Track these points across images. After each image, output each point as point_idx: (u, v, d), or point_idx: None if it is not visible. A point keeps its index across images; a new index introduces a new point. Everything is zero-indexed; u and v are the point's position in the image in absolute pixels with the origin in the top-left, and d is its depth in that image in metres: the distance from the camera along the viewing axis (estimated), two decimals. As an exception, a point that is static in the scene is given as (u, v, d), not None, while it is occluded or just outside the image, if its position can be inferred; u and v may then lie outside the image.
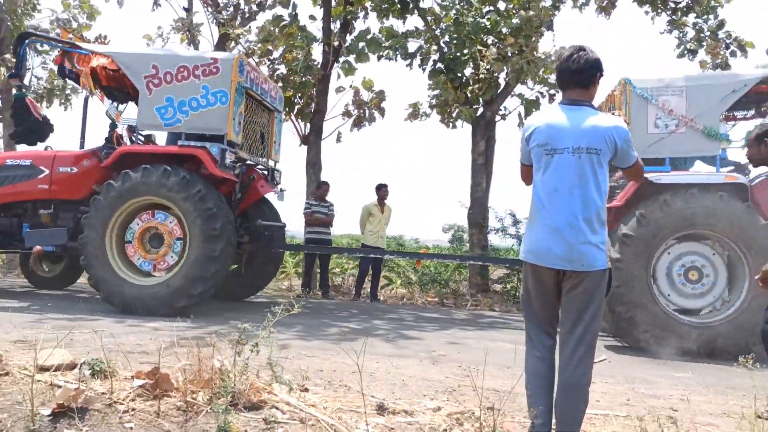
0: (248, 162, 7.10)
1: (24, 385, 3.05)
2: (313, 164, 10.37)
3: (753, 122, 6.68)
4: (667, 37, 11.02)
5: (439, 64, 9.83)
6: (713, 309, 5.53)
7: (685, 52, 10.69)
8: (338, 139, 10.98)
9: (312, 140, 10.47)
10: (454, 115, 9.93)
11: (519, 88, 10.27)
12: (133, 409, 2.83)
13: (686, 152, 5.82)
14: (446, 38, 9.84)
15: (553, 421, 2.57)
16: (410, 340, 5.12)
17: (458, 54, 9.53)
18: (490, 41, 9.61)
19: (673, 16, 10.90)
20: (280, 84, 10.30)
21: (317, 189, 9.16)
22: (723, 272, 5.45)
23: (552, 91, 10.17)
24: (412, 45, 9.89)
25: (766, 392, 3.16)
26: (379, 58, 9.80)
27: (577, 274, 2.49)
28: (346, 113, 10.81)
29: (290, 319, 6.00)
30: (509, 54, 9.27)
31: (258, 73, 7.07)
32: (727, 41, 10.66)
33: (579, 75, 2.59)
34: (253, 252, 7.37)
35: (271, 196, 7.65)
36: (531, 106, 10.22)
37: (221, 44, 11.07)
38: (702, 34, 10.69)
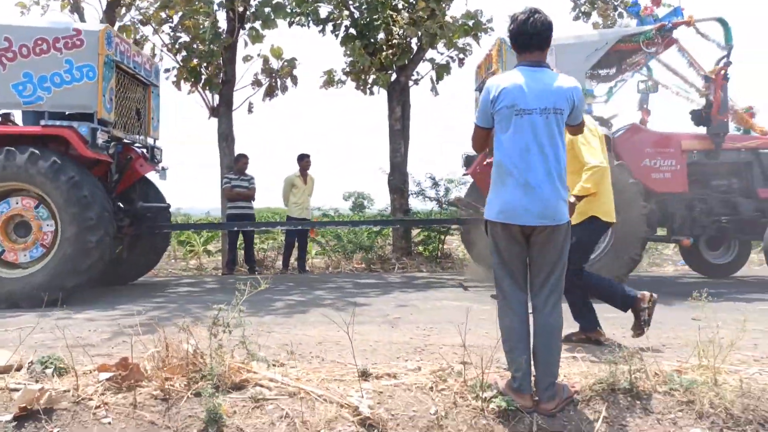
0: (124, 141, 6.69)
1: (-34, 393, 2.77)
2: (226, 137, 9.93)
3: (614, 80, 7.34)
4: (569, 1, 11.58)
5: (351, 30, 9.70)
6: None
7: (580, 14, 11.30)
8: (250, 110, 10.59)
9: (222, 112, 10.01)
10: (369, 81, 9.88)
11: (430, 53, 10.39)
12: (106, 404, 2.66)
13: None
14: (357, 3, 9.68)
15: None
16: (360, 306, 5.15)
17: (370, 19, 9.44)
18: (401, 6, 9.61)
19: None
20: (183, 53, 9.72)
21: (236, 162, 8.83)
22: None
23: (461, 56, 10.40)
24: (324, 11, 9.64)
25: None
26: (290, 24, 9.47)
27: (551, 228, 2.64)
28: (257, 82, 10.42)
29: (230, 297, 5.85)
30: (421, 18, 9.31)
31: (129, 45, 6.62)
32: (615, 3, 11.36)
33: (538, 37, 2.69)
34: (135, 235, 7.04)
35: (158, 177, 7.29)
36: (442, 70, 10.38)
37: (110, 11, 10.19)
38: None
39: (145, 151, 7.04)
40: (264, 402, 2.69)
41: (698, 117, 6.43)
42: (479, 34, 10.21)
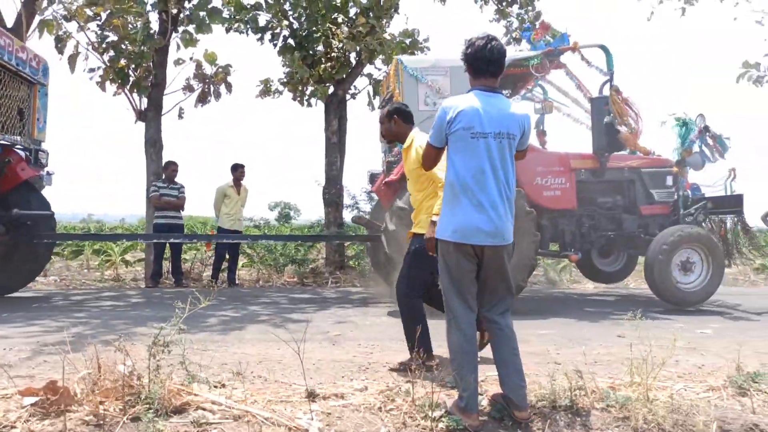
0: (2, 142, 6.30)
1: None
2: (154, 142, 9.52)
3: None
4: (495, 25, 12.05)
5: (290, 41, 9.61)
6: None
7: (511, 40, 11.78)
8: (180, 116, 10.22)
9: (150, 116, 9.60)
10: (307, 93, 9.81)
11: (368, 68, 10.47)
12: (31, 431, 2.45)
13: None
14: (297, 14, 9.62)
15: (479, 385, 2.79)
16: (298, 323, 5.06)
17: (310, 31, 9.40)
18: (341, 20, 9.63)
19: (500, 6, 11.92)
20: (111, 53, 9.27)
21: (165, 170, 8.48)
22: None
23: (398, 73, 10.55)
24: (263, 19, 9.50)
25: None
26: (227, 30, 9.26)
27: (502, 247, 2.72)
28: (188, 87, 10.09)
29: (158, 312, 5.58)
30: (360, 33, 9.38)
31: (11, 40, 6.26)
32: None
33: (494, 64, 2.78)
34: (12, 245, 6.62)
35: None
36: (379, 86, 10.48)
37: (30, 4, 9.56)
38: (524, 24, 11.83)
39: (27, 153, 6.63)
40: (207, 426, 2.57)
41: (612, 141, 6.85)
42: (416, 52, 10.43)
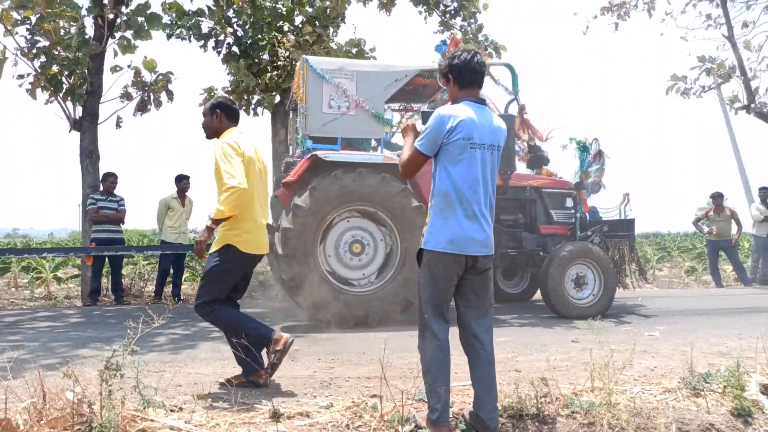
0: None
1: None
2: (90, 153, 9.04)
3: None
4: (440, 36, 12.22)
5: (234, 49, 9.41)
6: (369, 281, 5.99)
7: (455, 52, 11.99)
8: (118, 125, 9.78)
9: (86, 125, 9.14)
10: (253, 101, 9.62)
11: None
12: (-32, 472, 2.23)
13: (356, 133, 6.24)
14: (241, 21, 9.43)
15: (453, 399, 2.76)
16: (252, 338, 4.89)
17: (255, 39, 9.23)
18: (287, 28, 9.52)
19: (444, 18, 12.12)
20: (42, 59, 8.77)
21: (103, 182, 8.08)
22: (383, 248, 6.03)
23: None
24: (206, 26, 9.25)
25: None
26: (168, 36, 8.96)
27: (489, 257, 2.73)
28: (126, 95, 9.67)
29: (101, 332, 5.27)
30: (308, 42, 9.30)
31: None
32: (486, 44, 12.22)
33: (480, 76, 2.80)
34: None
35: None
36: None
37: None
38: (467, 36, 12.07)
39: None
40: (167, 454, 2.43)
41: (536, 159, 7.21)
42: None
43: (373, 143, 6.80)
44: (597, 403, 2.95)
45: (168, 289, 8.43)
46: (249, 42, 9.37)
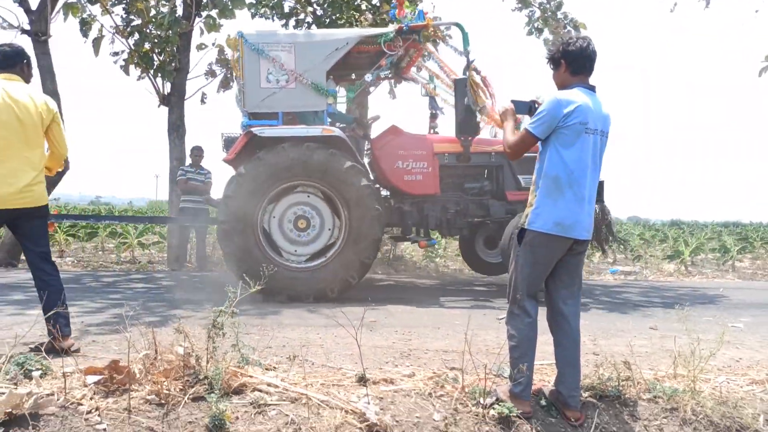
0: None
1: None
2: (177, 127, 9.56)
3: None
4: (518, 14, 11.94)
5: (314, 27, 9.59)
6: (314, 256, 5.84)
7: (533, 30, 11.70)
8: (203, 101, 10.28)
9: (174, 101, 9.63)
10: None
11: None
12: (97, 408, 2.52)
13: (296, 107, 5.94)
14: (321, 0, 9.60)
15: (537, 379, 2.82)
16: (330, 309, 5.10)
17: (334, 17, 9.38)
18: (364, 6, 9.60)
19: (523, -6, 11.80)
20: (136, 36, 9.28)
21: (191, 155, 8.54)
22: (329, 222, 5.83)
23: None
24: (288, 5, 9.48)
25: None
26: (252, 16, 9.25)
27: (588, 241, 2.79)
28: (210, 73, 10.12)
29: (192, 295, 5.66)
30: (384, 20, 9.34)
31: None
32: (565, 21, 11.83)
33: (593, 64, 2.82)
34: None
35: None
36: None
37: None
38: (546, 14, 11.73)
39: None
40: (266, 408, 2.63)
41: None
42: (437, 41, 10.40)
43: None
44: (680, 389, 2.93)
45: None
46: (327, 21, 9.53)
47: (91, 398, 2.59)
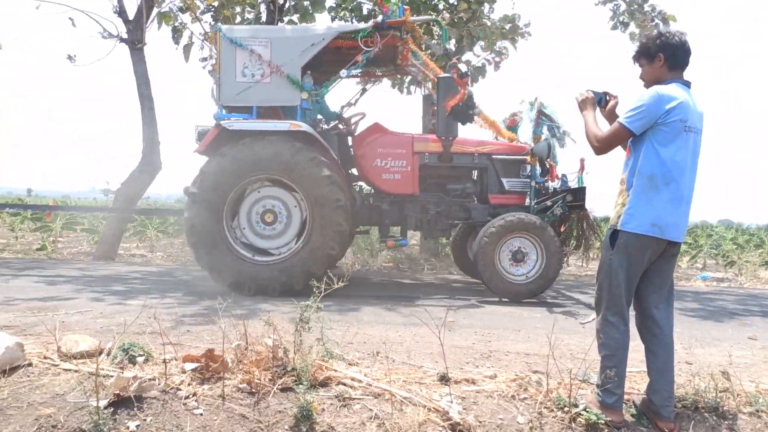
0: None
1: (53, 376, 2.79)
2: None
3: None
4: (601, 8, 11.52)
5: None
6: (289, 248, 5.81)
7: (618, 24, 11.24)
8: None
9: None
10: (406, 81, 9.87)
11: (465, 55, 10.37)
12: (195, 394, 2.67)
13: (270, 101, 5.93)
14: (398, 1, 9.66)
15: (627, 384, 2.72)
16: (408, 307, 5.16)
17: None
18: (441, 6, 9.58)
19: (607, -12, 11.37)
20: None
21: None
22: (296, 215, 5.82)
23: (497, 59, 10.38)
24: (366, 8, 9.62)
25: None
26: (333, 19, 9.46)
27: (680, 243, 2.67)
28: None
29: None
30: (462, 19, 9.29)
31: None
32: (653, 14, 11.29)
33: (689, 59, 2.70)
34: None
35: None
36: (478, 73, 10.35)
37: (149, -2, 10.21)
38: (632, 7, 11.25)
39: None
40: (350, 401, 2.70)
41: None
42: (516, 38, 10.21)
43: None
44: (786, 404, 2.74)
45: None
46: (405, 21, 9.58)
47: (188, 384, 2.75)
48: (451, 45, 6.23)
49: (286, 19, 9.90)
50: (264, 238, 5.84)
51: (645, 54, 2.72)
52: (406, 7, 6.45)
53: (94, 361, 2.89)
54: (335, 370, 2.93)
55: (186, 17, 10.12)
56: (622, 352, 2.63)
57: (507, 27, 10.03)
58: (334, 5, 9.39)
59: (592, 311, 4.93)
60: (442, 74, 6.09)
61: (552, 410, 2.72)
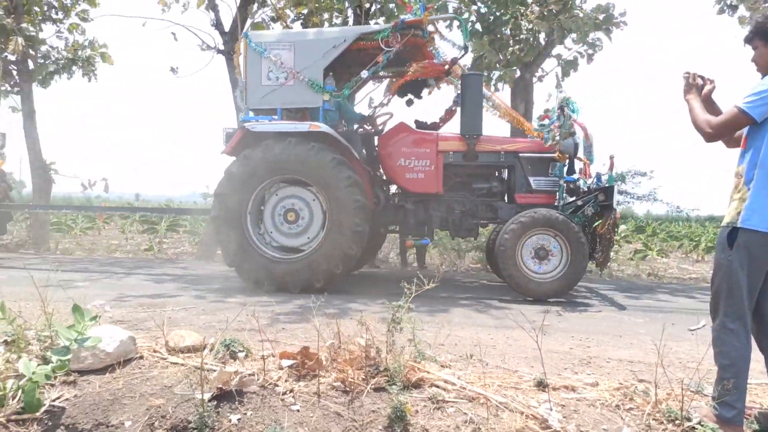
0: None
1: (162, 369, 2.95)
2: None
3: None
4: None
5: (477, 26, 9.54)
6: (310, 245, 5.91)
7: (725, 8, 10.44)
8: (370, 106, 10.74)
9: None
10: (494, 77, 9.68)
11: (556, 49, 10.01)
12: (292, 390, 2.73)
13: (294, 103, 6.07)
14: (485, -2, 9.51)
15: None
16: (499, 310, 5.04)
17: (499, 14, 9.24)
18: (530, 0, 9.31)
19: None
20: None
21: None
22: (319, 215, 5.91)
23: (590, 51, 9.94)
24: (451, 6, 9.54)
25: None
26: (418, 19, 9.45)
27: None
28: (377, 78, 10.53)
29: (364, 289, 5.94)
30: (552, 12, 8.98)
31: None
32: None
33: None
34: None
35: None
36: (569, 66, 9.99)
37: (243, 8, 10.68)
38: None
39: None
40: (444, 404, 2.65)
41: None
42: (611, 28, 9.71)
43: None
44: None
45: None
46: (492, 18, 9.41)
47: (285, 380, 2.82)
48: (466, 43, 6.39)
49: (372, 22, 10.03)
50: (290, 237, 6.01)
51: (761, 34, 2.47)
52: (427, 5, 6.49)
53: (198, 356, 3.04)
54: (427, 372, 2.89)
55: (277, 27, 10.53)
56: (743, 363, 2.40)
57: (600, 17, 9.58)
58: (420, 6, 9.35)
59: (701, 316, 4.58)
60: (471, 72, 6.25)
61: (662, 422, 2.53)
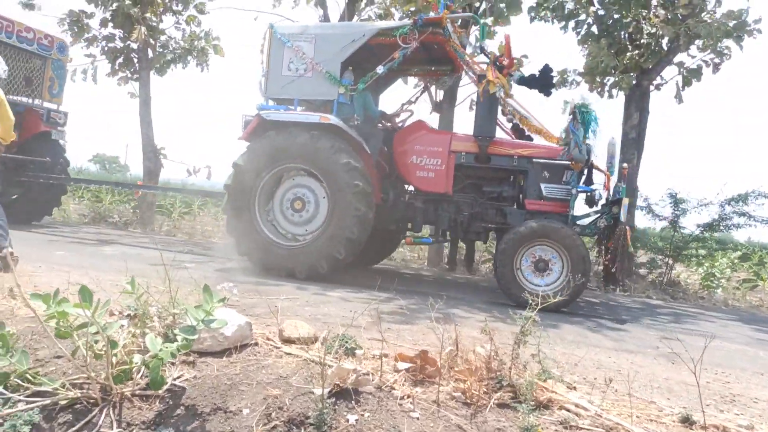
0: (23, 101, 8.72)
1: (276, 358, 2.90)
2: (447, 132, 9.95)
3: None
4: None
5: (593, 28, 9.05)
6: (305, 238, 6.07)
7: None
8: (471, 107, 10.50)
9: (445, 107, 10.01)
10: (607, 83, 9.15)
11: (678, 56, 9.32)
12: (410, 396, 2.58)
13: (310, 94, 6.26)
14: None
15: None
16: (614, 330, 4.69)
17: (618, 16, 8.71)
18: (655, 2, 8.72)
19: None
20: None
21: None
22: (324, 204, 5.99)
23: (717, 60, 9.16)
24: (568, 7, 9.12)
25: None
26: (532, 20, 9.12)
27: None
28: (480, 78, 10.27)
29: (464, 294, 5.74)
30: (679, 16, 8.35)
31: (11, 23, 8.51)
32: None
33: None
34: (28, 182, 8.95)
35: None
36: (692, 75, 9.25)
37: (351, 6, 10.77)
38: None
39: (42, 112, 9.06)
40: (576, 430, 2.41)
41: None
42: (742, 35, 8.90)
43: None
44: None
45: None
46: (610, 21, 8.89)
47: (402, 384, 2.68)
48: (482, 44, 6.51)
49: (481, 21, 9.78)
50: (292, 224, 6.17)
51: None
52: (448, 3, 6.38)
53: (309, 348, 2.98)
54: (555, 392, 2.66)
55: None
56: None
57: (731, 24, 8.81)
58: (534, 5, 9.01)
59: None
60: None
61: (841, 484, 2.17)
